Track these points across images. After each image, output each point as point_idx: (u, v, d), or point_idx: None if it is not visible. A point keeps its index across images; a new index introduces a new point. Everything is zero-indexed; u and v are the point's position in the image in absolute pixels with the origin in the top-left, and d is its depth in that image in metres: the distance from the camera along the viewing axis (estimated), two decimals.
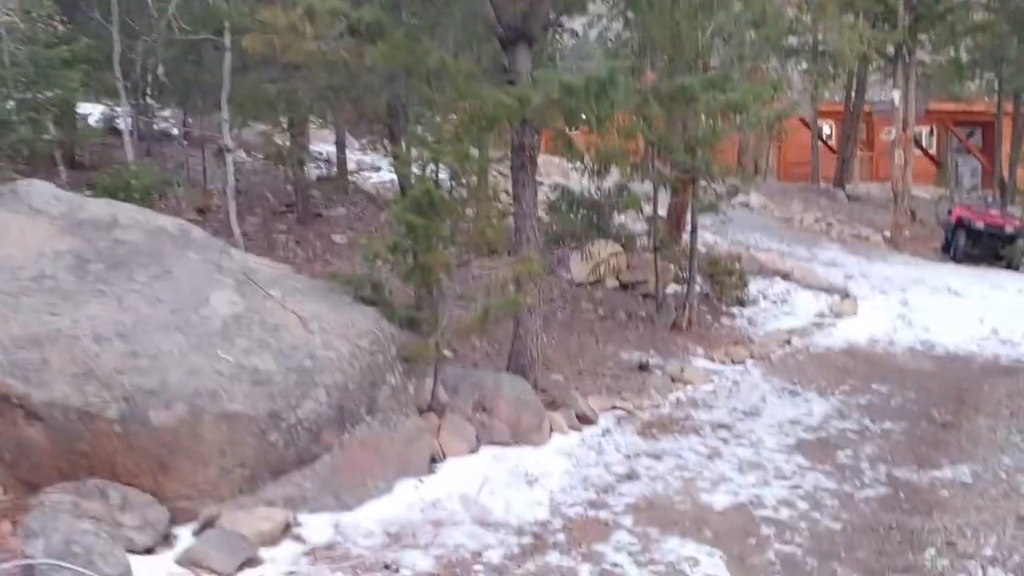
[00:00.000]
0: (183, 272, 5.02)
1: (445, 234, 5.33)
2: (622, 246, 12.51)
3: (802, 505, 5.61)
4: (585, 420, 6.92)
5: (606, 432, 6.83)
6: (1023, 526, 5.18)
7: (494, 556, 4.42)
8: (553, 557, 4.48)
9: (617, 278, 12.87)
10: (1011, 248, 16.53)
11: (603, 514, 5.12)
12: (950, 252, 17.26)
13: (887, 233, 18.16)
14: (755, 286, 13.05)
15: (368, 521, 4.66)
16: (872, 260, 16.28)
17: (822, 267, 15.34)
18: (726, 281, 12.35)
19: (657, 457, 6.34)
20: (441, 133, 5.78)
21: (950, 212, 18.20)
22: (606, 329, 10.73)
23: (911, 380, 9.47)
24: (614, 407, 7.43)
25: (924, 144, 33.32)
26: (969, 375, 9.88)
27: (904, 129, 16.98)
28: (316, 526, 4.58)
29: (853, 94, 26.02)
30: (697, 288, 12.06)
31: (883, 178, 29.88)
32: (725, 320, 11.76)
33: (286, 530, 4.46)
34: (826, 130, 32.95)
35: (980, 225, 16.58)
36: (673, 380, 8.56)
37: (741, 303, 12.27)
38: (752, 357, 9.98)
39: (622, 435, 6.79)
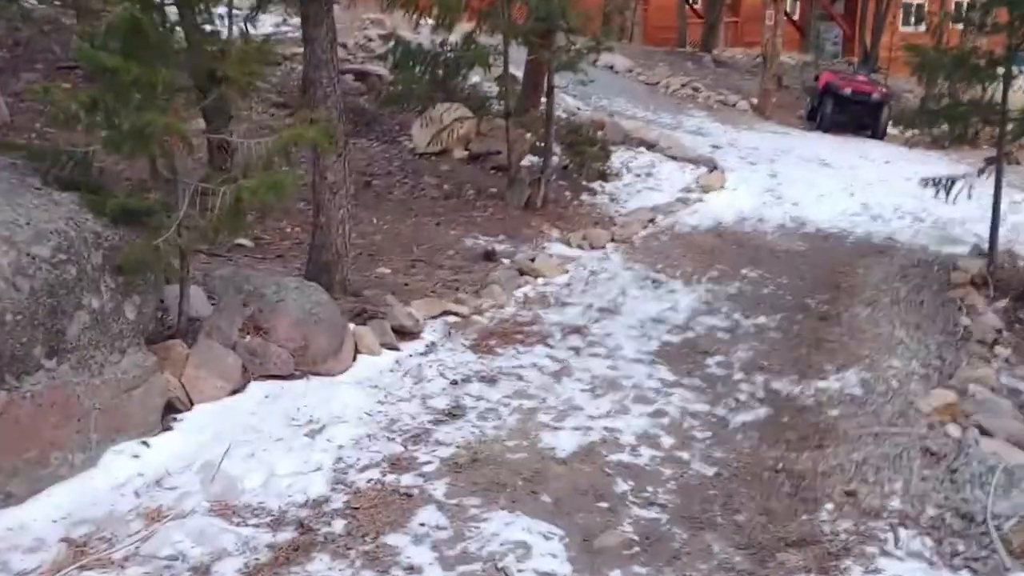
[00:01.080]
0: None
1: (169, 84, 3.57)
2: (472, 110, 10.88)
3: (667, 441, 4.45)
4: (406, 334, 5.47)
5: (430, 348, 5.42)
6: (930, 461, 4.17)
7: (227, 571, 2.98)
8: (320, 563, 3.08)
9: (466, 148, 11.28)
10: (877, 116, 15.90)
11: (407, 479, 3.75)
12: (816, 120, 16.50)
13: (754, 100, 17.20)
14: (618, 158, 11.78)
15: (42, 522, 3.10)
16: (739, 128, 15.30)
17: (688, 136, 14.22)
18: (587, 152, 10.99)
19: (492, 381, 5.02)
20: None
21: (817, 78, 17.37)
22: (450, 209, 9.22)
23: (783, 263, 8.52)
24: (445, 312, 6.00)
25: (788, 10, 32.58)
26: (842, 255, 9.05)
27: None
28: None
29: None
30: (555, 160, 10.65)
31: (749, 44, 29.03)
32: (585, 197, 10.45)
33: None
34: None
35: (847, 92, 15.80)
36: (522, 272, 7.20)
37: (603, 177, 10.98)
38: (613, 240, 8.76)
39: (451, 352, 5.41)
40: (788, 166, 12.77)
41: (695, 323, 6.51)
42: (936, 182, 8.11)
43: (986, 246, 8.98)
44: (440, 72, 10.43)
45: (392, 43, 10.36)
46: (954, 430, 4.55)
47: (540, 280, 7.17)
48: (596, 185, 10.82)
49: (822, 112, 16.27)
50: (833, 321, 6.72)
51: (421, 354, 5.30)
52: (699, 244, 8.98)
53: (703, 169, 11.89)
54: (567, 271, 7.59)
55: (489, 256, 7.63)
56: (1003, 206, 8.43)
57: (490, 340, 5.72)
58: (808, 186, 11.69)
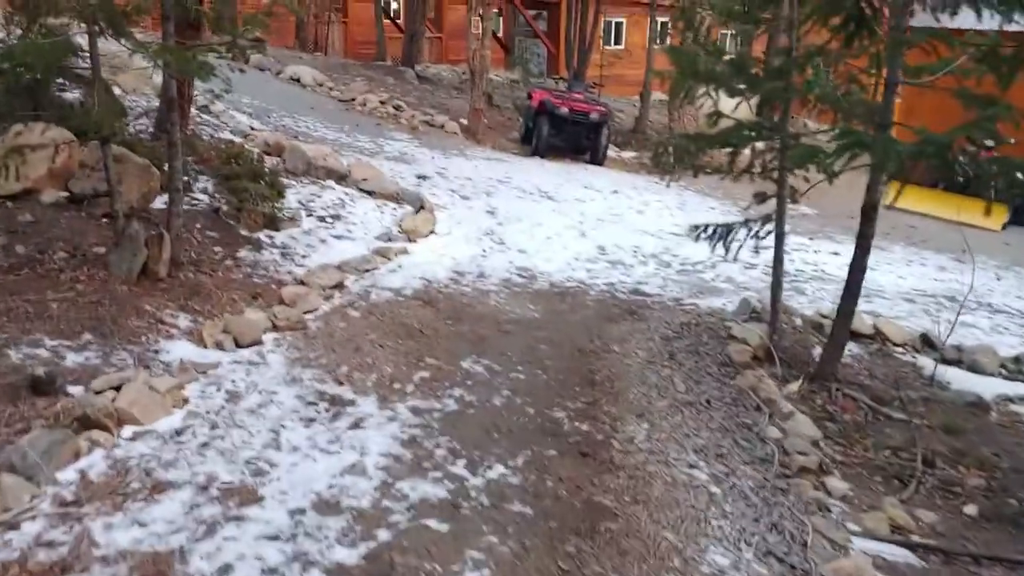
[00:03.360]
0: None
1: None
2: (74, 133, 7.48)
3: None
4: None
5: None
6: None
7: None
8: None
9: (67, 187, 7.81)
10: (596, 138, 14.47)
11: None
12: (532, 143, 14.77)
13: (464, 121, 15.13)
14: (297, 194, 8.93)
15: None
16: (449, 154, 13.06)
17: (390, 164, 11.70)
18: (249, 190, 8.02)
19: None
20: None
21: (530, 96, 15.71)
22: (17, 287, 5.83)
23: (516, 342, 6.21)
24: None
25: (492, 27, 31.61)
26: (588, 322, 6.94)
27: None
28: None
29: None
30: (205, 202, 7.61)
31: (453, 61, 27.42)
32: (245, 254, 7.48)
33: None
34: (394, 6, 29.62)
35: (564, 111, 14.22)
36: (87, 424, 4.10)
37: (273, 224, 8.06)
38: (276, 328, 5.91)
39: None
40: (508, 200, 10.67)
41: (392, 502, 3.86)
42: (710, 234, 6.16)
43: (752, 298, 7.34)
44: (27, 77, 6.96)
45: None
46: None
47: (126, 433, 4.14)
48: (262, 235, 7.87)
49: (538, 134, 14.55)
50: (603, 463, 4.39)
51: None
52: (403, 320, 6.40)
53: (408, 208, 9.38)
54: (185, 400, 4.61)
55: (42, 386, 4.44)
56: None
57: None
58: (534, 226, 9.61)
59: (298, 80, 16.25)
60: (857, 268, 5.97)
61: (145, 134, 9.51)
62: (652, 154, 5.72)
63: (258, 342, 5.62)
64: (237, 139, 10.93)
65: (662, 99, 18.72)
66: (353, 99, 15.29)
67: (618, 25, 29.95)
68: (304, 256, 7.70)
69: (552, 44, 28.45)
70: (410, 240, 8.49)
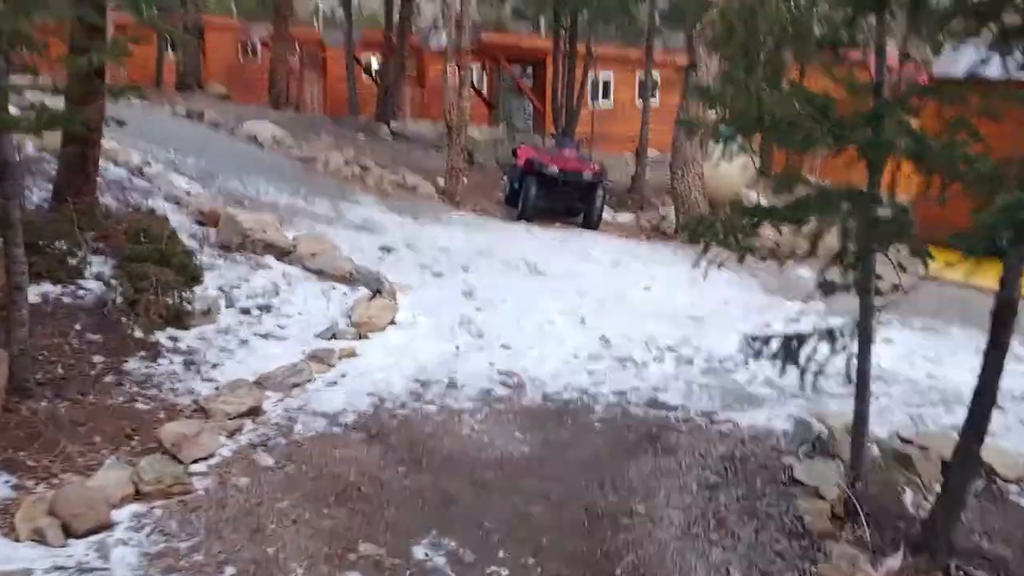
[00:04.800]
0: None
1: None
2: None
3: None
4: None
5: None
6: None
7: None
8: None
9: None
10: (590, 200, 12.74)
11: None
12: (518, 205, 13.02)
13: (441, 181, 13.39)
14: (220, 278, 7.07)
15: None
16: (422, 220, 11.28)
17: (349, 234, 9.89)
18: (152, 276, 6.17)
19: None
20: None
21: (515, 153, 14.03)
22: None
23: (499, 509, 4.32)
24: None
25: (475, 83, 30.29)
26: (597, 456, 5.06)
27: (457, 29, 12.12)
28: None
29: (396, 16, 21.22)
30: (95, 292, 5.78)
31: (436, 118, 25.92)
32: (134, 364, 5.60)
33: None
34: (375, 64, 28.25)
35: (554, 170, 12.52)
36: None
37: (179, 320, 6.17)
38: (139, 495, 3.98)
39: None
40: (490, 276, 8.84)
41: None
42: (773, 351, 4.26)
43: (808, 414, 5.48)
44: None
45: None
46: None
47: None
48: (164, 337, 5.99)
49: (525, 195, 12.80)
50: None
51: None
52: (335, 471, 4.49)
53: (362, 291, 7.53)
54: None
55: None
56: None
57: None
58: (521, 311, 7.76)
59: (255, 138, 14.54)
60: (986, 392, 4.12)
61: (33, 204, 7.70)
62: (688, 231, 3.88)
63: (104, 526, 3.69)
64: (167, 206, 9.15)
65: (656, 157, 17.17)
66: (314, 158, 13.56)
67: (606, 82, 28.81)
68: (215, 366, 5.81)
69: (539, 101, 27.03)
70: (361, 336, 6.62)
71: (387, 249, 9.39)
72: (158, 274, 6.12)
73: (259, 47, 33.07)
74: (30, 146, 8.91)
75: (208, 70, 30.72)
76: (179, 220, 8.79)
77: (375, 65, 28.09)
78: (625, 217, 14.47)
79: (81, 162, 7.38)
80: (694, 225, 3.93)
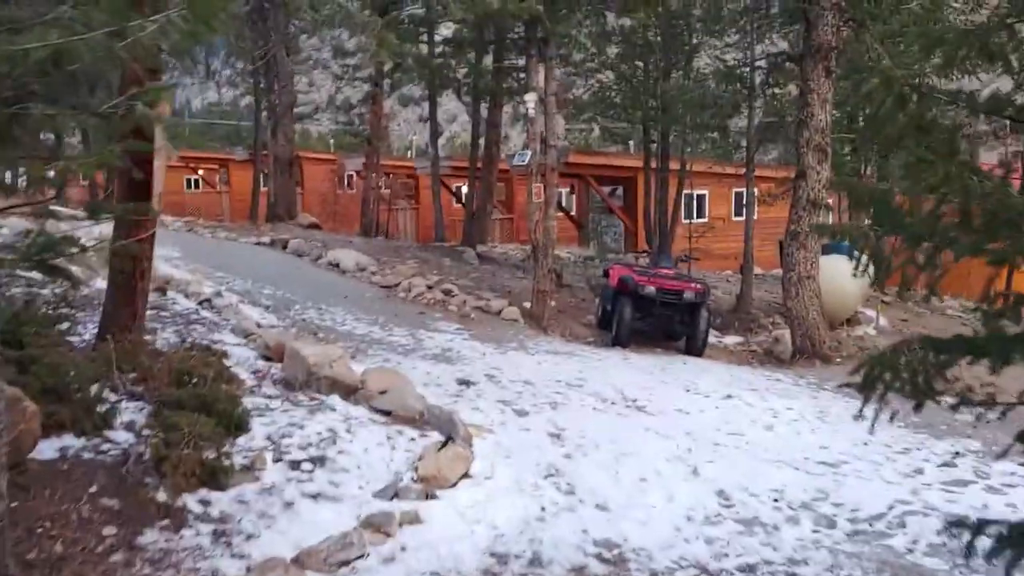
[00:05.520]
0: None
1: None
2: None
3: None
4: None
5: None
6: None
7: None
8: None
9: None
10: (693, 322, 11.57)
11: None
12: (611, 329, 11.95)
13: (527, 305, 12.49)
14: (270, 424, 6.16)
15: None
16: (506, 348, 10.31)
17: (426, 364, 8.99)
18: (185, 427, 5.30)
19: None
20: None
21: (607, 273, 13.07)
22: None
23: None
24: None
25: (564, 205, 29.95)
26: None
27: (543, 145, 11.45)
28: None
29: (482, 140, 21.14)
30: (124, 445, 4.96)
31: (524, 241, 25.43)
32: (153, 536, 4.66)
33: None
34: (465, 190, 28.42)
35: (651, 290, 11.47)
36: None
37: (215, 479, 5.23)
38: None
39: None
40: (581, 414, 7.70)
41: None
42: (997, 540, 2.94)
43: None
44: None
45: None
46: None
47: None
48: (194, 499, 5.04)
49: (619, 318, 11.73)
50: None
51: None
52: None
53: (434, 436, 6.48)
54: None
55: None
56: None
57: None
58: (619, 457, 6.56)
59: (337, 265, 14.08)
60: None
61: (83, 340, 7.09)
62: (862, 376, 2.69)
63: None
64: (233, 340, 8.52)
65: (758, 274, 15.95)
66: (397, 284, 12.92)
67: (700, 197, 28.12)
68: (250, 537, 4.79)
69: (629, 220, 26.31)
70: (428, 495, 5.53)
71: (466, 382, 8.39)
72: (193, 424, 5.24)
73: (354, 178, 33.94)
74: (100, 281, 8.48)
75: (305, 202, 31.52)
76: (243, 355, 8.09)
77: (465, 191, 28.17)
78: (732, 340, 13.17)
79: (128, 295, 6.76)
80: (873, 366, 2.77)
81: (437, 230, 20.63)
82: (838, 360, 11.83)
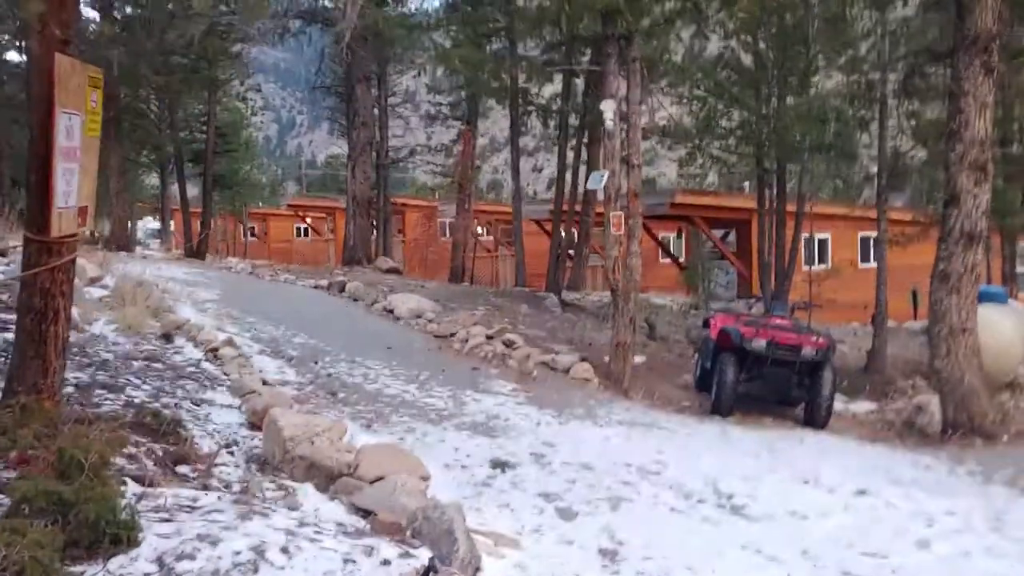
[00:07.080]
0: None
1: None
2: None
3: None
4: None
5: None
6: None
7: None
8: None
9: None
10: (815, 385, 9.11)
11: None
12: (711, 393, 9.63)
13: (607, 359, 10.32)
14: (175, 536, 4.21)
15: None
16: (568, 416, 8.17)
17: (460, 436, 7.01)
18: (17, 542, 3.42)
19: None
20: None
21: (707, 323, 10.77)
22: None
23: None
24: None
25: (672, 251, 27.60)
26: None
27: (624, 165, 9.35)
28: None
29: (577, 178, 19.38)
30: None
31: None
32: None
33: None
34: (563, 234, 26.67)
35: (761, 344, 9.14)
36: None
37: None
38: None
39: None
40: (651, 520, 5.45)
41: None
42: None
43: None
44: None
45: None
46: None
47: None
48: None
49: (720, 380, 9.40)
50: None
51: None
52: None
53: (418, 557, 4.38)
54: None
55: None
56: None
57: None
58: None
59: (391, 311, 12.34)
60: None
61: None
62: None
63: None
64: (220, 401, 6.87)
65: (892, 327, 13.22)
66: (452, 334, 11.02)
67: (822, 242, 25.39)
68: None
69: (743, 265, 23.71)
70: None
71: (502, 465, 6.31)
72: (14, 543, 3.40)
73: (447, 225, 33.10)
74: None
75: (406, 249, 30.82)
76: (226, 421, 6.39)
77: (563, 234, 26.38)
78: (863, 406, 10.56)
79: (35, 344, 5.09)
80: None
81: (518, 275, 18.77)
82: (1005, 438, 9.11)
